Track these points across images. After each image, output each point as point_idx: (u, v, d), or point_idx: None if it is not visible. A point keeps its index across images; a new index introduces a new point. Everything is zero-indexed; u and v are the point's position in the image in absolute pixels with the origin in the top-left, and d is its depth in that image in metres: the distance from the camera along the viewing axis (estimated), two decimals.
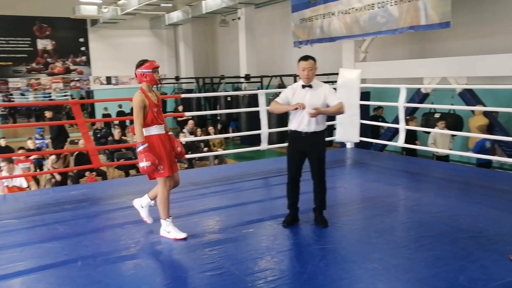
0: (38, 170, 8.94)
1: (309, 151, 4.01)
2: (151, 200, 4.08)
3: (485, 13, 10.14)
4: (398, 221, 4.31)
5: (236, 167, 7.90)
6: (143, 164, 3.66)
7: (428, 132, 8.74)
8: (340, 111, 3.98)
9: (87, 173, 8.48)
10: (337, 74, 7.66)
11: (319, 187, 4.10)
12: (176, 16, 18.22)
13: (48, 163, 8.66)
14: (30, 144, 9.62)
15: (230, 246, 3.70)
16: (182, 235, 3.85)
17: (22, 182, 6.57)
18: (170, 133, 4.01)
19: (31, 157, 8.90)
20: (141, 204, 4.13)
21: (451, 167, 7.35)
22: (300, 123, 3.99)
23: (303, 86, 4.02)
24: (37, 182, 7.85)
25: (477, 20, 10.26)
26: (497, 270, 3.15)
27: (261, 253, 3.56)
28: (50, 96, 22.14)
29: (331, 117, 6.41)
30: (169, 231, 3.87)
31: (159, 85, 4.19)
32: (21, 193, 6.13)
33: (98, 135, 12.11)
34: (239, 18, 15.77)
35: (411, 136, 9.29)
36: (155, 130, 3.81)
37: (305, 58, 3.98)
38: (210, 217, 4.47)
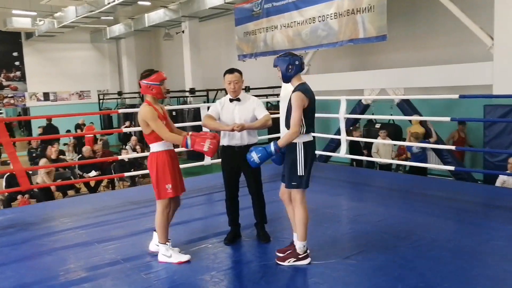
0: None
1: (243, 165, 3.89)
2: (166, 241, 3.68)
3: (419, 28, 10.60)
4: (340, 232, 4.31)
5: (192, 181, 7.67)
6: (206, 146, 3.47)
7: (371, 143, 8.94)
8: (266, 124, 3.90)
9: (19, 196, 7.99)
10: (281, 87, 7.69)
11: (257, 201, 4.03)
12: (118, 29, 17.85)
13: None
14: None
15: (168, 269, 3.54)
16: (186, 257, 3.61)
17: None
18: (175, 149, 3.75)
19: None
20: (164, 254, 3.65)
21: (393, 176, 7.54)
22: (232, 137, 3.92)
23: (231, 100, 3.94)
24: None
25: (413, 34, 10.70)
26: (434, 277, 3.19)
27: (200, 274, 3.42)
28: None
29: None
30: (169, 255, 3.60)
31: (165, 98, 3.89)
32: None
33: (33, 155, 11.51)
34: (183, 32, 15.65)
35: (356, 146, 9.53)
36: (164, 145, 3.60)
37: (231, 71, 3.92)
38: (149, 237, 4.29)
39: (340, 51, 11.72)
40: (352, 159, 9.30)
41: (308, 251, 3.53)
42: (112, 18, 16.96)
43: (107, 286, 3.29)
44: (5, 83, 17.76)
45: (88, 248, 4.07)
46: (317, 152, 8.74)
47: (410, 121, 9.20)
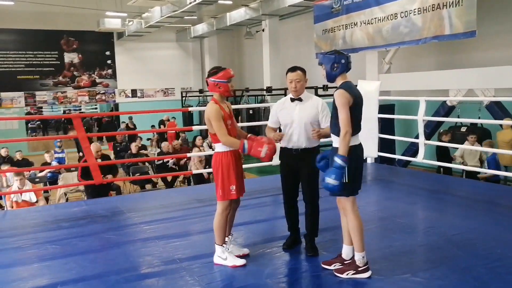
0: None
1: (300, 170, 3.72)
2: (223, 243, 3.59)
3: None
4: (409, 245, 3.94)
5: (254, 182, 7.61)
6: (263, 152, 3.38)
7: (456, 148, 8.30)
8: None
9: None
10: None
11: (309, 209, 3.78)
12: (201, 28, 18.28)
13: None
14: (46, 157, 9.65)
15: (223, 271, 3.46)
16: (241, 262, 3.53)
17: (31, 196, 6.52)
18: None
19: (45, 171, 8.91)
20: (220, 256, 3.57)
21: (477, 185, 6.88)
22: (289, 139, 3.71)
23: (292, 100, 3.74)
24: (47, 197, 7.84)
25: (506, 29, 9.77)
26: None
27: (255, 279, 3.30)
28: (80, 109, 22.58)
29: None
30: (225, 257, 3.53)
31: (232, 96, 3.89)
32: (22, 209, 6.07)
33: (118, 148, 12.11)
34: (263, 30, 15.66)
35: (445, 151, 8.85)
36: None
37: (293, 69, 3.70)
38: (208, 238, 4.23)
39: (424, 49, 11.03)
40: (439, 166, 8.62)
41: (368, 264, 3.29)
42: (196, 17, 17.40)
43: (159, 287, 3.28)
44: (98, 80, 18.95)
45: (148, 245, 4.13)
46: (396, 156, 8.34)
47: (500, 125, 8.42)
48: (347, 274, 3.27)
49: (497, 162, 7.94)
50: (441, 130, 8.97)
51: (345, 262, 3.37)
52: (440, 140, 8.67)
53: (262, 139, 3.48)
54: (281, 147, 3.81)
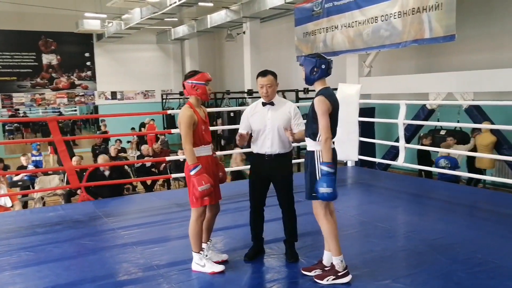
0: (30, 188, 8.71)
1: (273, 176, 3.63)
2: (200, 250, 3.49)
3: (493, 26, 9.79)
4: (390, 250, 3.90)
5: (235, 185, 7.51)
6: (202, 187, 3.25)
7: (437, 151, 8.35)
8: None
9: (79, 191, 8.16)
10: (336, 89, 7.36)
11: (287, 216, 3.69)
12: (182, 30, 18.15)
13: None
14: (23, 160, 9.39)
15: (201, 279, 3.37)
16: (220, 268, 3.45)
17: (6, 201, 6.33)
18: (215, 155, 3.63)
19: (21, 175, 8.68)
20: (197, 263, 3.49)
21: (458, 189, 6.92)
22: (262, 144, 3.63)
23: (264, 104, 3.65)
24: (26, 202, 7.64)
25: (485, 33, 9.90)
26: None
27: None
28: (59, 111, 22.20)
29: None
30: (203, 264, 3.45)
31: (208, 101, 3.72)
32: None
33: (97, 151, 11.91)
34: (244, 33, 15.61)
35: (426, 155, 8.89)
36: (203, 151, 3.44)
37: (263, 73, 3.59)
38: (187, 244, 4.14)
39: (405, 52, 11.13)
40: (420, 169, 8.63)
41: (347, 268, 3.24)
42: (176, 19, 17.27)
43: None
44: (77, 82, 18.65)
45: (125, 251, 4.02)
46: (376, 160, 8.34)
47: (479, 129, 8.51)
48: (327, 280, 3.22)
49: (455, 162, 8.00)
50: (421, 134, 9.03)
51: (325, 268, 3.32)
52: (421, 144, 8.73)
53: (211, 179, 3.36)
54: (252, 153, 3.72)
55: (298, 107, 3.80)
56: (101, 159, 7.83)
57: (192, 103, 3.46)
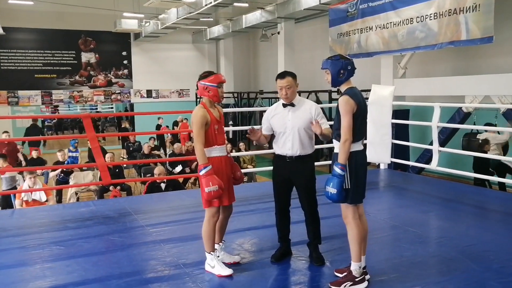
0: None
1: (295, 178, 3.59)
2: (212, 251, 3.51)
3: None
4: (419, 256, 3.82)
5: (263, 185, 7.51)
6: (209, 189, 3.23)
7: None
8: (331, 136, 3.46)
9: (111, 187, 8.38)
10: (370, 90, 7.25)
11: (310, 219, 3.66)
12: (217, 30, 18.29)
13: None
14: (59, 156, 9.66)
15: (212, 281, 3.39)
16: (228, 271, 3.43)
17: (41, 196, 6.54)
18: (230, 154, 3.63)
19: (57, 171, 8.95)
20: (209, 263, 3.52)
21: (492, 194, 6.71)
22: (283, 146, 3.60)
23: (284, 105, 3.61)
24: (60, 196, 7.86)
25: None
26: None
27: None
28: (96, 108, 22.76)
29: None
30: (213, 265, 3.46)
31: (221, 102, 3.72)
32: (29, 208, 6.09)
33: (131, 149, 12.14)
34: (278, 33, 15.61)
35: (483, 164, 8.17)
36: (217, 151, 3.44)
37: (282, 75, 3.56)
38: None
39: (441, 54, 10.85)
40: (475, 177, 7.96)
41: (368, 275, 3.20)
42: (212, 19, 17.40)
43: None
44: (114, 80, 19.09)
45: (153, 248, 4.09)
46: (409, 163, 8.18)
47: None
48: (344, 286, 3.17)
49: None
50: (480, 140, 8.44)
51: (343, 274, 3.28)
52: (482, 151, 7.98)
53: (223, 180, 3.37)
54: (274, 154, 3.71)
55: (322, 108, 3.75)
56: (158, 170, 7.73)
57: (205, 103, 3.48)
